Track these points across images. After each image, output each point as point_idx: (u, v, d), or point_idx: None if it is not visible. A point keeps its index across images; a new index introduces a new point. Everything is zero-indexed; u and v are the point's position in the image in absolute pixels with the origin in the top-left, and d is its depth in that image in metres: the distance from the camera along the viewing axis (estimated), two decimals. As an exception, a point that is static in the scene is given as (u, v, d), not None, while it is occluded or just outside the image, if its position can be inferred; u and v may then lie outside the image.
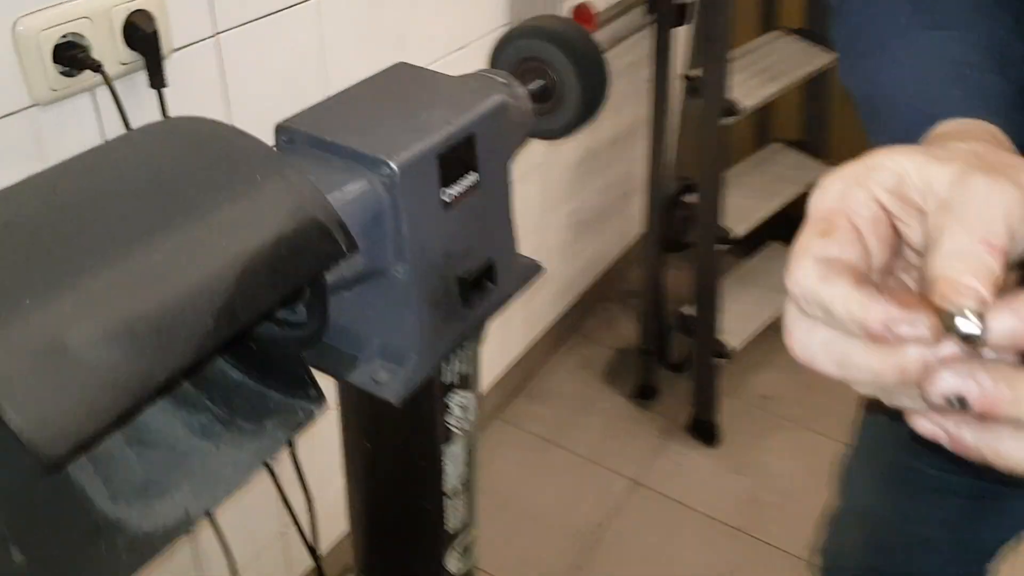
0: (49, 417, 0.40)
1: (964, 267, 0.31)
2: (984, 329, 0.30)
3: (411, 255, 0.65)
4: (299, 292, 0.61)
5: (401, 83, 0.70)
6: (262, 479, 1.32)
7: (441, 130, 0.63)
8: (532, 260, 0.80)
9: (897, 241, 0.35)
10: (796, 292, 0.33)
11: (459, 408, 0.81)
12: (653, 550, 1.64)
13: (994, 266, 0.31)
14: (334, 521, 1.34)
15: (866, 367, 0.32)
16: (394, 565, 0.93)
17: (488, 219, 0.72)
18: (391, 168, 0.60)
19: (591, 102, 0.83)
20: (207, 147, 0.52)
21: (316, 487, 1.17)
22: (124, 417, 0.44)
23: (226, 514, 1.18)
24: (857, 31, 0.51)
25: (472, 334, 0.76)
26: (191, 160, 0.50)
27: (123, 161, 0.50)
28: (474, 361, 0.80)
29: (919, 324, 0.30)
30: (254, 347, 0.66)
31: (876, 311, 0.31)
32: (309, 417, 0.65)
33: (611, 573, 1.60)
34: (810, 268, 0.33)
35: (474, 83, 0.70)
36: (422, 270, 0.67)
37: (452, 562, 0.92)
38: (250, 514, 1.31)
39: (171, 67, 0.89)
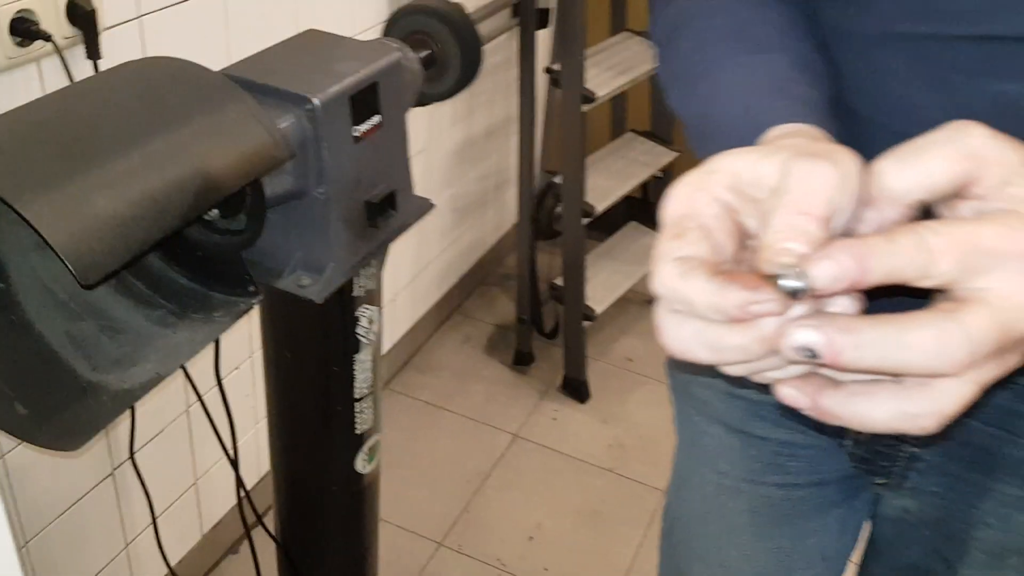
0: (86, 251, 0.55)
1: (783, 236, 0.34)
2: (808, 280, 0.32)
3: (329, 178, 0.81)
4: (241, 202, 0.77)
5: (313, 44, 0.86)
6: (177, 431, 1.43)
7: (351, 76, 0.80)
8: (425, 199, 0.98)
9: (741, 233, 0.38)
10: (661, 292, 0.36)
11: (366, 319, 0.97)
12: (534, 491, 1.83)
13: (811, 230, 0.33)
14: (250, 471, 1.46)
15: (734, 346, 0.35)
16: (309, 467, 1.08)
17: (389, 157, 0.89)
18: (314, 104, 0.77)
19: (469, 69, 1.02)
20: (180, 76, 0.67)
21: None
22: (133, 259, 0.59)
23: (142, 465, 1.30)
24: (688, 60, 0.56)
25: (377, 253, 0.93)
26: (169, 84, 0.66)
27: (118, 85, 0.65)
28: (378, 279, 0.97)
29: (766, 299, 0.33)
30: (200, 254, 0.81)
31: (730, 297, 0.33)
32: (248, 307, 0.80)
33: (498, 513, 1.78)
34: (670, 269, 0.35)
35: (374, 44, 0.87)
36: (338, 192, 0.83)
37: (359, 463, 1.08)
38: (165, 466, 1.42)
39: (103, 43, 1.03)
